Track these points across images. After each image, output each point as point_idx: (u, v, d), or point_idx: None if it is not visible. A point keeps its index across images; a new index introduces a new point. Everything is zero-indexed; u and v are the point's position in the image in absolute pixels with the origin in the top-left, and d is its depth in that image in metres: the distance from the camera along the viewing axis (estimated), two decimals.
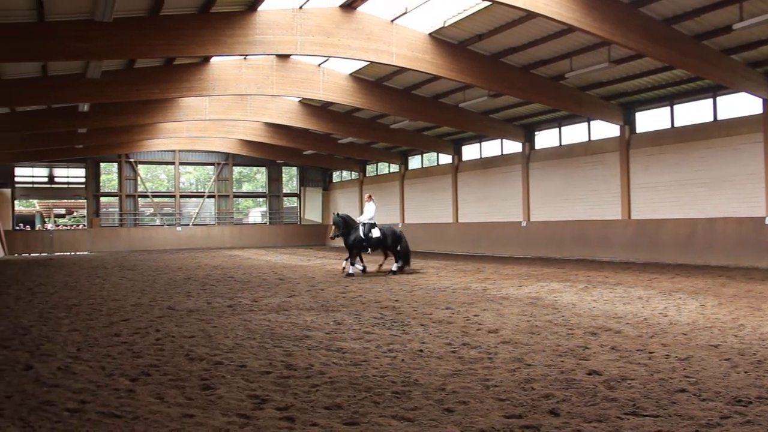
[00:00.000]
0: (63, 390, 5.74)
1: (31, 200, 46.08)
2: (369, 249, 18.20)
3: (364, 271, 18.00)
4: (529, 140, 27.67)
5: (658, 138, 21.91)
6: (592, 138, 24.95)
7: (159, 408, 5.12)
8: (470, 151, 32.07)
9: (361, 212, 18.38)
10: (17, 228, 39.07)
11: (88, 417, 4.92)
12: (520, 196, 27.82)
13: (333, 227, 18.25)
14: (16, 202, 38.48)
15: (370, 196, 19.23)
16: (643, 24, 15.51)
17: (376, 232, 17.92)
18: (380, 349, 7.34)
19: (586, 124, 25.18)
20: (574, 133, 26.00)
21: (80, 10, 14.59)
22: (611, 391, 5.37)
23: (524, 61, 19.97)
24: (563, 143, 26.29)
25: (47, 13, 14.45)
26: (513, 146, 28.79)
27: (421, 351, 7.17)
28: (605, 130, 24.25)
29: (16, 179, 37.83)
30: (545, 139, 27.44)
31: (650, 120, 22.70)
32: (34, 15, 14.54)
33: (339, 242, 20.56)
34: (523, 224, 27.37)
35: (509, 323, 8.98)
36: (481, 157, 31.17)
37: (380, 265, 18.85)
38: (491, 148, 30.69)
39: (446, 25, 17.30)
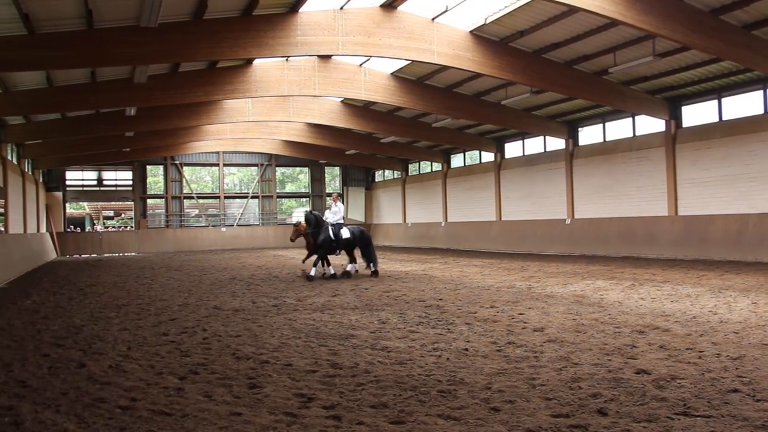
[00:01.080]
0: (115, 387, 5.88)
1: (81, 203, 47.24)
2: (338, 250, 17.38)
3: (334, 276, 16.96)
4: (572, 137, 27.34)
5: (705, 132, 21.41)
6: (637, 133, 24.50)
7: (207, 406, 5.21)
8: (513, 149, 31.81)
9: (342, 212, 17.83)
10: (68, 230, 40.04)
11: (139, 414, 5.03)
12: (564, 194, 27.50)
13: (295, 227, 17.69)
14: (67, 204, 39.44)
15: (338, 195, 18.74)
16: (689, 15, 15.17)
17: (345, 233, 17.20)
18: (425, 347, 7.34)
19: (630, 119, 24.76)
20: (619, 129, 25.57)
21: (127, 17, 14.89)
22: (661, 391, 5.27)
23: (567, 57, 19.72)
24: (607, 139, 25.88)
25: (96, 20, 14.78)
26: (556, 143, 28.50)
27: (467, 350, 7.15)
28: (650, 125, 23.82)
29: (67, 183, 38.82)
30: (589, 135, 27.06)
31: (697, 114, 22.18)
32: (83, 23, 14.90)
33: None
34: (568, 221, 27.05)
35: (555, 322, 8.89)
36: (524, 155, 30.90)
37: (344, 268, 18.02)
38: (534, 145, 30.40)
39: (487, 22, 17.16)
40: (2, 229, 22.44)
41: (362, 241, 17.58)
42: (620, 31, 17.10)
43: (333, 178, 46.17)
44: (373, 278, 16.83)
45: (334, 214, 17.64)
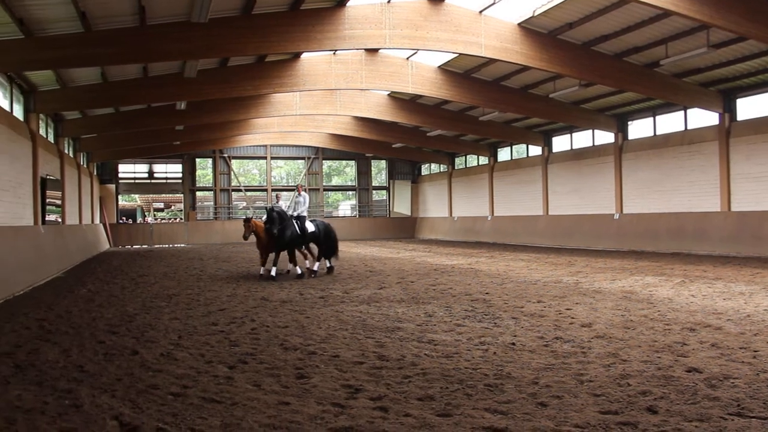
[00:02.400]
0: (166, 375, 6.04)
1: (132, 195, 48.30)
2: (304, 245, 16.57)
3: (301, 276, 15.85)
4: (621, 130, 26.87)
5: (762, 125, 20.79)
6: (689, 127, 23.96)
7: (256, 395, 5.31)
8: (561, 143, 31.43)
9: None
10: (120, 221, 40.97)
11: (190, 401, 5.16)
12: (612, 188, 27.08)
13: (246, 223, 15.88)
14: (119, 196, 40.39)
15: (300, 187, 17.10)
16: (745, 4, 14.71)
17: (311, 227, 16.11)
18: (472, 341, 7.34)
19: (682, 112, 24.22)
20: (670, 122, 25.03)
21: (178, 13, 15.17)
22: (713, 390, 5.17)
23: (617, 49, 19.38)
24: (658, 133, 25.37)
25: (148, 17, 15.10)
26: (605, 137, 28.06)
27: (513, 344, 7.13)
28: (703, 118, 23.26)
29: (120, 175, 39.76)
30: (639, 128, 26.57)
31: (753, 107, 21.53)
32: (136, 20, 15.22)
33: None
34: (616, 216, 26.63)
35: (603, 317, 8.79)
36: (571, 149, 30.50)
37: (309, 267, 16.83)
38: (582, 138, 29.98)
39: (535, 14, 17.00)
40: (59, 220, 23.11)
41: (326, 236, 16.63)
42: (673, 21, 16.73)
43: (379, 171, 46.25)
44: (331, 274, 16.33)
45: (297, 205, 16.36)
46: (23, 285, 14.16)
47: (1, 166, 15.73)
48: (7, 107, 17.50)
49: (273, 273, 15.47)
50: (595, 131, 28.59)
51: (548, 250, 25.92)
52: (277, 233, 15.30)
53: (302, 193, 16.71)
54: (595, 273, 15.44)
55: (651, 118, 25.67)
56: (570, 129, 30.14)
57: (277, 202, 16.81)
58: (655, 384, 5.38)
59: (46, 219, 20.80)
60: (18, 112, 18.81)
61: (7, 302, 12.01)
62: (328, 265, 16.80)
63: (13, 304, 11.76)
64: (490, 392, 5.25)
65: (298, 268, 16.03)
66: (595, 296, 11.10)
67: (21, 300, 12.33)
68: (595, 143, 28.98)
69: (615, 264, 17.98)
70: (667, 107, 24.60)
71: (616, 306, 9.86)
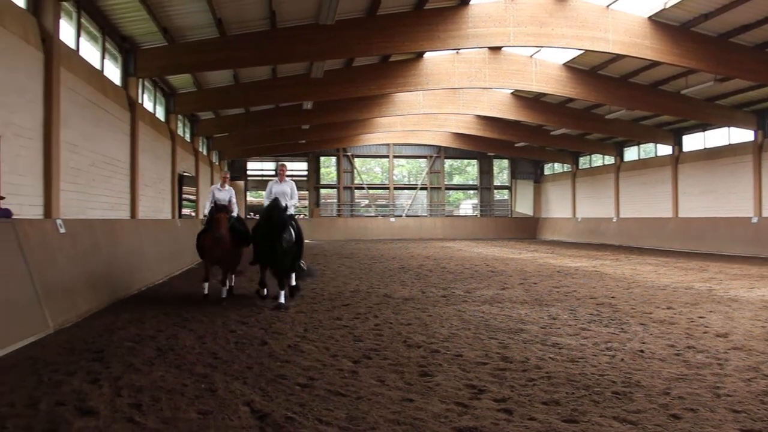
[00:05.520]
0: (294, 366, 6.26)
1: (260, 191, 50.08)
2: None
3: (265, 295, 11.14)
4: (762, 128, 25.22)
5: None
6: None
7: (380, 390, 5.40)
8: (692, 141, 29.90)
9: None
10: (248, 216, 42.66)
11: (316, 393, 5.32)
12: (750, 189, 25.46)
13: (224, 215, 10.83)
14: (247, 193, 42.14)
15: (283, 170, 11.57)
16: None
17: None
18: (598, 346, 7.14)
19: None
20: None
21: (306, 16, 15.70)
22: None
23: (758, 40, 18.17)
24: None
25: (278, 20, 15.71)
26: (742, 134, 26.44)
27: (642, 351, 6.87)
28: None
29: (248, 172, 41.58)
30: None
31: None
32: (267, 23, 15.90)
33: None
34: (754, 220, 25.03)
35: (740, 328, 8.30)
36: (704, 148, 28.96)
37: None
38: (716, 137, 28.39)
39: (667, 6, 16.29)
40: (193, 214, 24.41)
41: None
42: None
43: (501, 170, 45.75)
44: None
45: (283, 197, 11.03)
46: (162, 274, 15.07)
47: (146, 163, 16.82)
48: (150, 109, 18.69)
49: (266, 292, 11.16)
50: (731, 129, 27.00)
51: (677, 254, 24.75)
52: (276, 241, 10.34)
53: (286, 179, 11.59)
54: (730, 280, 14.60)
55: None
56: (703, 127, 28.63)
57: (222, 186, 12.01)
58: None
59: (182, 213, 21.99)
60: (160, 113, 20.05)
61: (149, 289, 12.86)
62: (293, 283, 11.63)
63: (154, 291, 12.59)
64: (618, 400, 5.10)
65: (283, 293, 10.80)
66: (731, 305, 10.50)
67: (161, 288, 13.16)
68: (731, 142, 27.37)
69: (753, 271, 16.92)
70: None
71: (755, 316, 9.28)
